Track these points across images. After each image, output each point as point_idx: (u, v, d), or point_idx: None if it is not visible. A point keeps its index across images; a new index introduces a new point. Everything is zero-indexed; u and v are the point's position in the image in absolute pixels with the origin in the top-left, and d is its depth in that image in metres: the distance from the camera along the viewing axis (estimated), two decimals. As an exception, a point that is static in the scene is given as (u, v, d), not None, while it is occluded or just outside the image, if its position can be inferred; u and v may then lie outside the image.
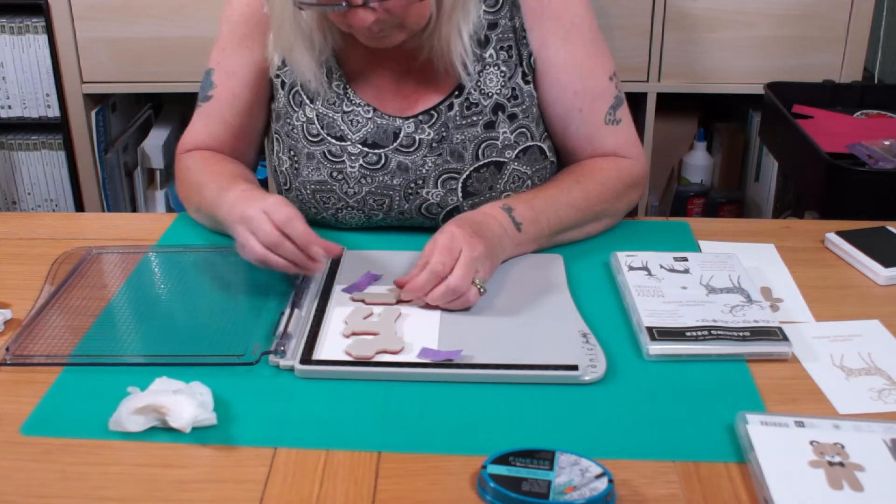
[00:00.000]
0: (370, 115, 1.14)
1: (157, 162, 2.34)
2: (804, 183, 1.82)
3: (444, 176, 1.14)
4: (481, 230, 1.02)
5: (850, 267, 1.09)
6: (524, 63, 1.15)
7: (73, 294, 1.02)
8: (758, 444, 0.75)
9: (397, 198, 1.15)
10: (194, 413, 0.79)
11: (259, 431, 0.81)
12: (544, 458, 0.74)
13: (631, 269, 1.03)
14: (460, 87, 1.14)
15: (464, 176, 1.14)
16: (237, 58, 1.19)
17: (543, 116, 1.20)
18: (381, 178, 1.14)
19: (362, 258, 1.08)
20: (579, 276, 1.06)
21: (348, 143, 1.14)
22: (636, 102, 2.08)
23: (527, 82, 1.16)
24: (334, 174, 1.15)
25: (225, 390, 0.85)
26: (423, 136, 1.14)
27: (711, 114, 2.44)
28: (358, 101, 1.15)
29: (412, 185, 1.14)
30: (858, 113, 1.97)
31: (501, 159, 1.14)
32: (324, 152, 1.15)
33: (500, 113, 1.14)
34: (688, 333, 0.92)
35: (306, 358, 0.89)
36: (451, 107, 1.14)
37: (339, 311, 0.97)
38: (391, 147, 1.14)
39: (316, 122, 1.15)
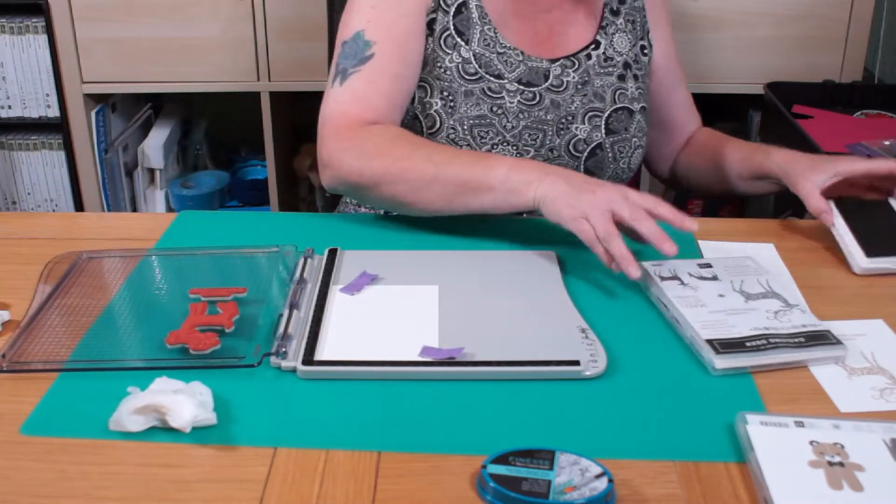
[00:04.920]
0: (521, 59, 1.24)
1: (157, 162, 2.34)
2: (804, 183, 1.81)
3: (590, 113, 1.26)
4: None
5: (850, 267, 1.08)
6: (646, 38, 1.33)
7: (72, 294, 1.02)
8: (758, 444, 0.75)
9: (550, 132, 1.24)
10: (194, 413, 0.79)
11: (259, 431, 0.81)
12: (544, 457, 0.74)
13: (662, 279, 1.00)
14: (596, 43, 1.28)
15: (606, 114, 1.27)
16: (395, 9, 1.19)
17: (658, 88, 1.39)
18: (536, 114, 1.24)
19: (358, 258, 1.08)
20: (579, 276, 1.05)
21: (506, 80, 1.23)
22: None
23: (644, 54, 1.33)
24: (494, 108, 1.22)
25: (225, 390, 0.85)
26: (569, 79, 1.26)
27: (711, 114, 2.44)
28: (507, 45, 1.24)
29: (563, 120, 1.25)
30: (858, 113, 1.97)
31: (631, 108, 1.29)
32: (483, 89, 1.22)
33: (628, 70, 1.30)
34: (747, 343, 0.89)
35: (309, 359, 0.89)
36: (589, 57, 1.28)
37: (338, 312, 0.97)
38: (544, 86, 1.25)
39: (473, 61, 1.22)
